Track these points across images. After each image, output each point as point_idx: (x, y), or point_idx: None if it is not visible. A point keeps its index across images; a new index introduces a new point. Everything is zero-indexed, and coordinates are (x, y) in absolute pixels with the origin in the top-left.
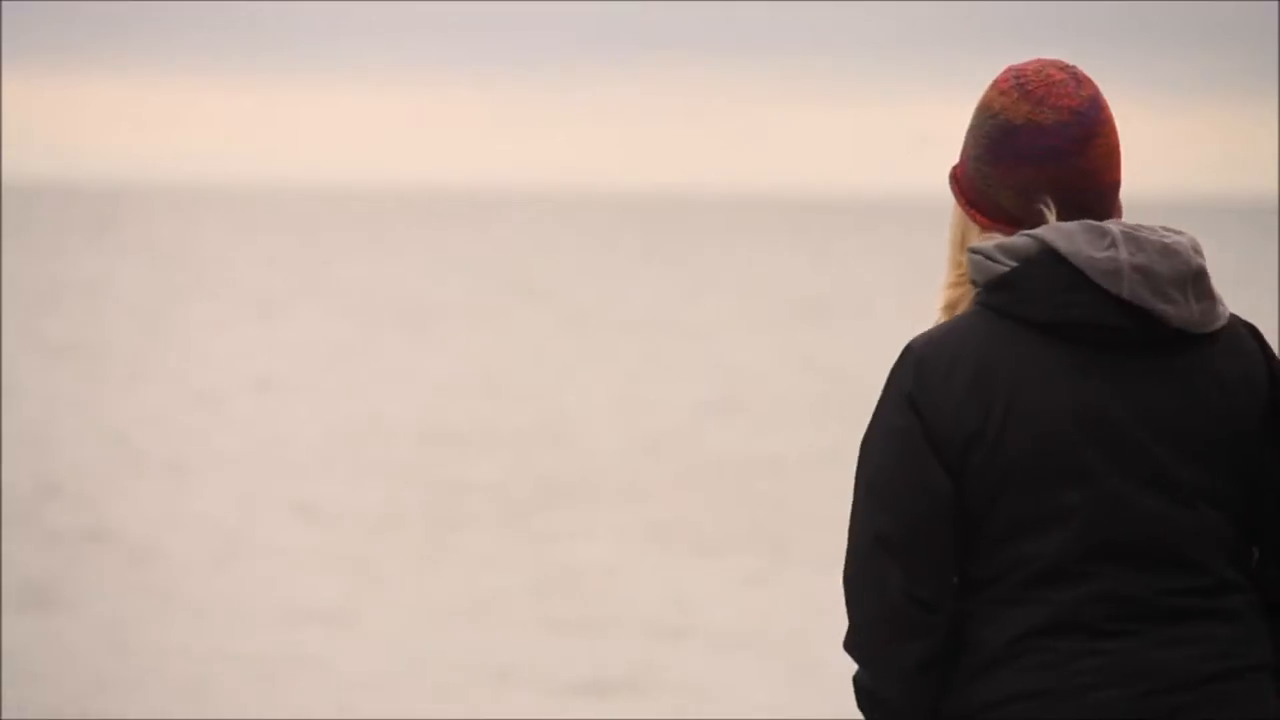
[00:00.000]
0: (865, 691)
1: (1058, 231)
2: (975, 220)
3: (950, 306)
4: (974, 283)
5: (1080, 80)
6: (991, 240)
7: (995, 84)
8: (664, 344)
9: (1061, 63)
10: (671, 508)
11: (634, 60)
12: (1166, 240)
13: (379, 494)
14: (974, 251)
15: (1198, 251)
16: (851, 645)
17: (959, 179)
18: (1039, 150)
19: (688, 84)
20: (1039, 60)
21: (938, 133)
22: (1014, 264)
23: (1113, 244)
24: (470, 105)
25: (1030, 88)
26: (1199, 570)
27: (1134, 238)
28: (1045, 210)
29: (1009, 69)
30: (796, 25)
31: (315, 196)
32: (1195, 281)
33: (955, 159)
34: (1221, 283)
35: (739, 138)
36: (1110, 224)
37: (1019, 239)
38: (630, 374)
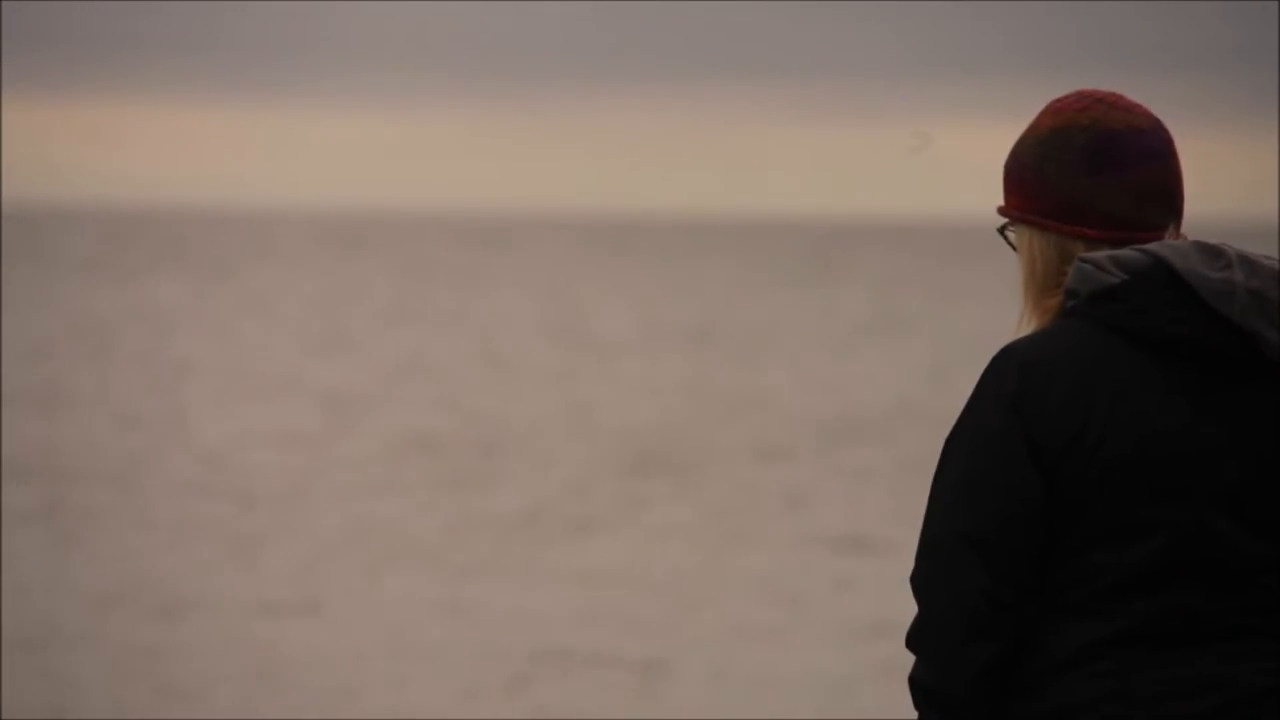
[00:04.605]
0: (927, 690)
1: (1172, 249)
2: (1085, 236)
3: None
4: (1071, 293)
5: None
6: (1103, 252)
7: (1065, 108)
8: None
9: None
10: None
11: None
12: (1278, 268)
13: None
14: (1084, 261)
15: None
16: (918, 642)
17: (1040, 210)
18: (1143, 151)
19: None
20: (1077, 90)
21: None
22: (1124, 276)
23: (1228, 265)
24: (472, 129)
25: (1111, 100)
26: (1259, 592)
27: (1248, 261)
28: (1155, 213)
29: (1062, 98)
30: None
31: (321, 220)
32: None
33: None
34: None
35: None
36: (1225, 246)
37: (1131, 252)
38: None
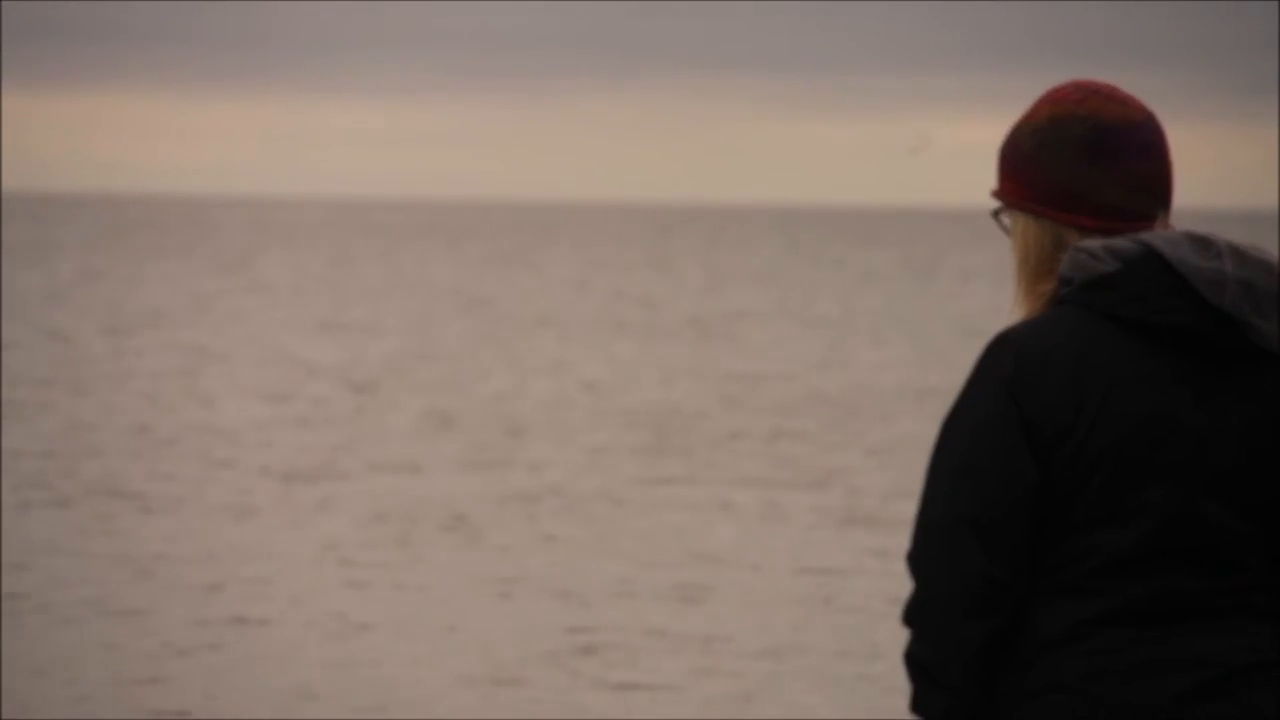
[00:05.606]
0: (922, 665)
1: (1164, 239)
2: (1080, 225)
3: None
4: (1065, 280)
5: None
6: (1097, 240)
7: (1063, 98)
8: None
9: None
10: None
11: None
12: (1266, 257)
13: None
14: (1078, 250)
15: None
16: (915, 619)
17: (1036, 198)
18: (1138, 143)
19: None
20: (1072, 80)
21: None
22: (1118, 265)
23: (1218, 255)
24: (463, 118)
25: (1106, 92)
26: (1243, 573)
27: (1238, 251)
28: (1147, 204)
29: (1059, 87)
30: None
31: (325, 205)
32: None
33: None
34: None
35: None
36: (1214, 236)
37: (1124, 241)
38: None
